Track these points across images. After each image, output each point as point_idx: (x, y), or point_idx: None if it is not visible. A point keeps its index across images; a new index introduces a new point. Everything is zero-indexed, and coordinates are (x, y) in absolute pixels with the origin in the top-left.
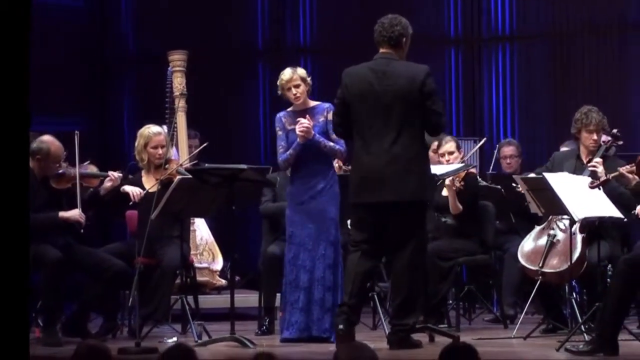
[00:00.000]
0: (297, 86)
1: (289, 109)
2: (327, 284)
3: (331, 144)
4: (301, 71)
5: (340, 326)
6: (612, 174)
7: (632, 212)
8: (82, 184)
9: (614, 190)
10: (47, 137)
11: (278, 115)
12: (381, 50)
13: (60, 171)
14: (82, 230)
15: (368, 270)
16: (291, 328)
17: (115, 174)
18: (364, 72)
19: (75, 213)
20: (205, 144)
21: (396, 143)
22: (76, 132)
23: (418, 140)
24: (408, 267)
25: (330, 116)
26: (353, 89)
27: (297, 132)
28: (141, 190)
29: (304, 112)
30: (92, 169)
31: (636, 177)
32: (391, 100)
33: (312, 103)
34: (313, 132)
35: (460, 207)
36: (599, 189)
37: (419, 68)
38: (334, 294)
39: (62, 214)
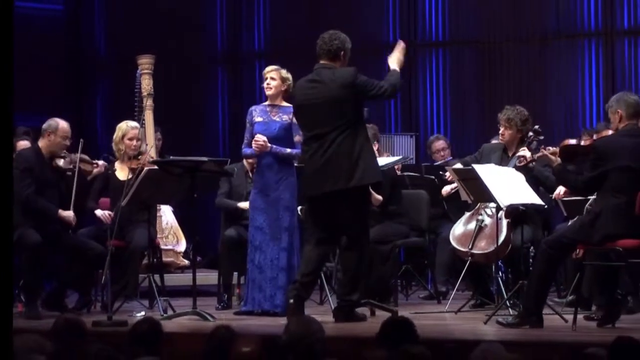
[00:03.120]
0: (272, 78)
1: (264, 103)
2: (281, 265)
3: (287, 151)
4: (283, 71)
5: (291, 301)
6: (537, 154)
7: (551, 196)
8: (80, 167)
9: (540, 173)
10: (55, 118)
11: (250, 109)
12: (321, 61)
13: (63, 154)
14: (70, 231)
15: (322, 254)
16: (249, 303)
17: (100, 163)
18: (303, 84)
19: (70, 215)
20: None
21: (334, 141)
22: (81, 140)
23: (354, 135)
24: (354, 247)
25: (295, 118)
26: (297, 100)
27: (253, 147)
28: (110, 213)
29: (274, 107)
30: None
31: (558, 158)
32: (326, 105)
33: (284, 103)
34: (269, 146)
35: (380, 197)
36: (532, 164)
37: (346, 71)
38: (288, 274)
39: (61, 212)
